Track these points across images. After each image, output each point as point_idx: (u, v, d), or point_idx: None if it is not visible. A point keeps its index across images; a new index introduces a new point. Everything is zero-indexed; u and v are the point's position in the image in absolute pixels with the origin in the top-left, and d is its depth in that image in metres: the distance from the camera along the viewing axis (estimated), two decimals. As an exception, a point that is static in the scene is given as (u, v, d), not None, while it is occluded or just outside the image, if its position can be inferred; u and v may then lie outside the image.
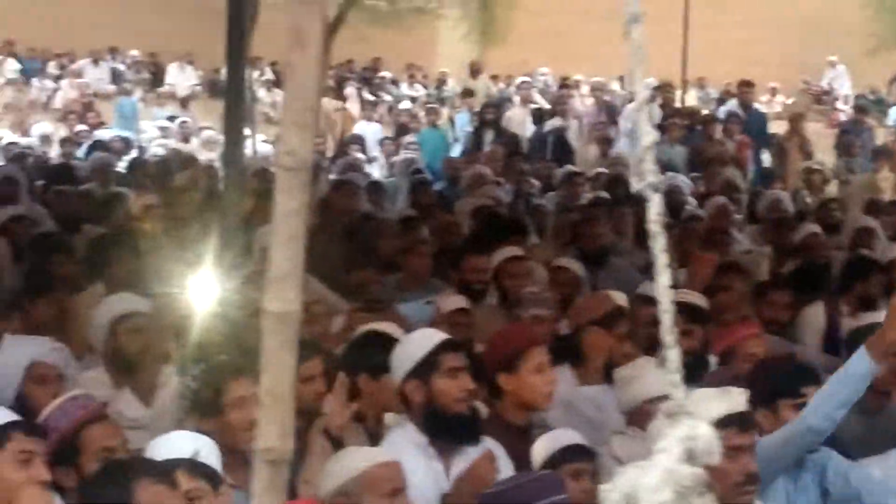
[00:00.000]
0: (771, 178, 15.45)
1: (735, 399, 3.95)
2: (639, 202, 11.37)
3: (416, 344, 4.74)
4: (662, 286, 1.45)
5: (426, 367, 4.57)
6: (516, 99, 22.05)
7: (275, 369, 2.63)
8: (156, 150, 16.41)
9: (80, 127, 19.63)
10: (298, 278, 2.65)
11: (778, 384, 4.86)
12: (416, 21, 25.88)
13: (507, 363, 4.99)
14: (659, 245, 1.44)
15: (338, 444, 4.64)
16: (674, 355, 1.46)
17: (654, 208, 1.48)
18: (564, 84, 21.63)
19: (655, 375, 5.19)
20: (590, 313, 6.09)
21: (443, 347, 4.67)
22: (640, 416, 4.99)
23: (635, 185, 1.47)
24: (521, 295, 6.81)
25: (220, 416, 4.48)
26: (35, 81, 26.28)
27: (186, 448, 3.99)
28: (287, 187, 2.62)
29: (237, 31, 7.08)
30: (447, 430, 4.58)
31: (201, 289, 5.99)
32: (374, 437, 4.94)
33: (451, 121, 20.79)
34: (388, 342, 5.07)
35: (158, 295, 6.23)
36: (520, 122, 18.20)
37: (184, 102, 23.81)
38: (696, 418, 1.41)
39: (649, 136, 1.47)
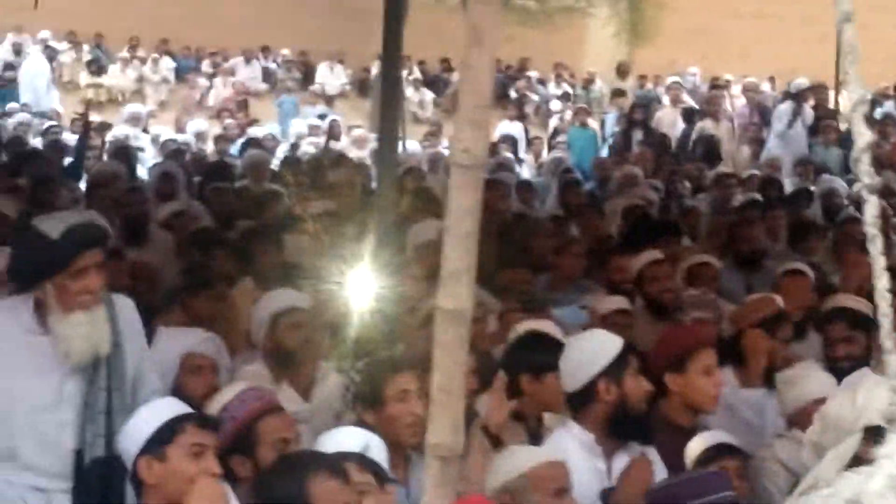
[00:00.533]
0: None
1: None
2: (791, 204, 11.19)
3: (600, 344, 4.71)
4: (881, 290, 1.41)
5: (618, 367, 4.55)
6: (666, 99, 21.82)
7: (447, 366, 2.64)
8: (307, 147, 16.60)
9: (231, 122, 19.98)
10: (472, 276, 2.65)
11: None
12: (565, 20, 25.74)
13: (676, 364, 4.96)
14: (877, 248, 1.40)
15: (497, 442, 4.65)
16: (894, 360, 1.42)
17: (871, 210, 1.44)
18: (715, 85, 21.24)
19: (819, 377, 5.13)
20: (753, 316, 5.99)
21: (628, 348, 4.68)
22: (802, 418, 4.92)
23: (856, 187, 1.44)
24: (683, 297, 6.76)
25: (381, 408, 4.53)
26: (189, 79, 26.80)
27: (356, 443, 4.04)
28: (461, 184, 2.62)
29: (393, 30, 7.12)
30: (629, 429, 4.57)
31: (358, 285, 6.05)
32: (535, 436, 4.95)
33: (601, 121, 20.60)
34: (549, 342, 5.09)
35: (316, 290, 6.29)
36: (670, 122, 17.98)
37: (331, 101, 24.04)
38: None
39: (865, 137, 1.44)
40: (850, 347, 5.72)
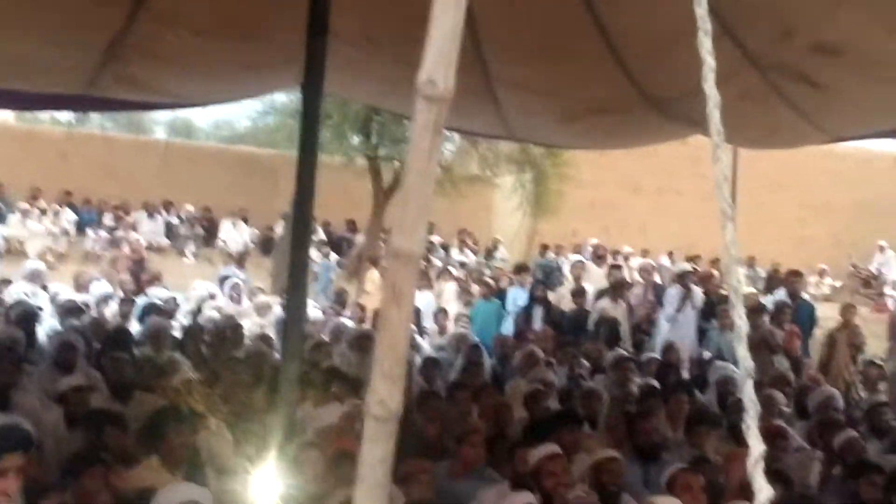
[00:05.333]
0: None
1: None
2: (690, 391, 11.32)
3: None
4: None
5: None
6: (567, 273, 22.07)
7: None
8: (209, 312, 16.39)
9: (129, 280, 19.51)
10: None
11: None
12: (470, 189, 26.07)
13: None
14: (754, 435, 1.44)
15: None
16: None
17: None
18: (614, 265, 21.17)
19: None
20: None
21: None
22: None
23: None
24: (567, 499, 6.85)
25: None
26: (90, 232, 26.61)
27: None
28: (374, 437, 2.65)
29: (304, 189, 6.74)
30: None
31: (263, 478, 5.98)
32: None
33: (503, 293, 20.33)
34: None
35: (214, 479, 6.25)
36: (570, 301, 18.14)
37: (241, 260, 23.47)
38: None
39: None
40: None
